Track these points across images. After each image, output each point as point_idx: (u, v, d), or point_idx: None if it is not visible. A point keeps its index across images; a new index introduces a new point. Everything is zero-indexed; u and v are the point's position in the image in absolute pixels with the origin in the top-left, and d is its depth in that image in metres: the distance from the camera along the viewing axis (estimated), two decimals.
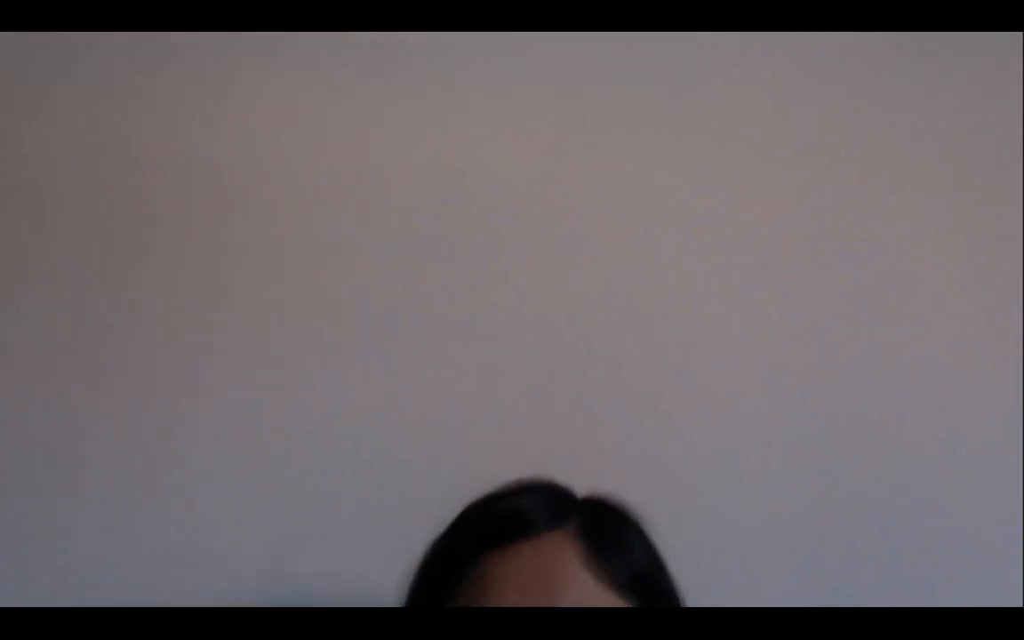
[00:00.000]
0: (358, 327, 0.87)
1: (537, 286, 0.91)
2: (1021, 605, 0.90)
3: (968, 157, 0.99)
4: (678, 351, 0.92)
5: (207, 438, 0.83)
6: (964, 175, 0.99)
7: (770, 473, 0.90)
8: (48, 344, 0.83)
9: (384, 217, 0.89)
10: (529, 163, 0.92)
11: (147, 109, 0.87)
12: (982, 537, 0.92)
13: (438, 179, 0.90)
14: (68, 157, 0.86)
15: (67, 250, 0.85)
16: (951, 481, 0.93)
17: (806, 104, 0.98)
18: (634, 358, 0.91)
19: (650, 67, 0.96)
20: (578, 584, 0.64)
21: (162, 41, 0.88)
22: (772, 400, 0.92)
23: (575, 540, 0.66)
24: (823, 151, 0.97)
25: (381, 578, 0.81)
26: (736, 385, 0.92)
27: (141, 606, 0.79)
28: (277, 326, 0.86)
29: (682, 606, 0.69)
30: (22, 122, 0.86)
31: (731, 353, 0.92)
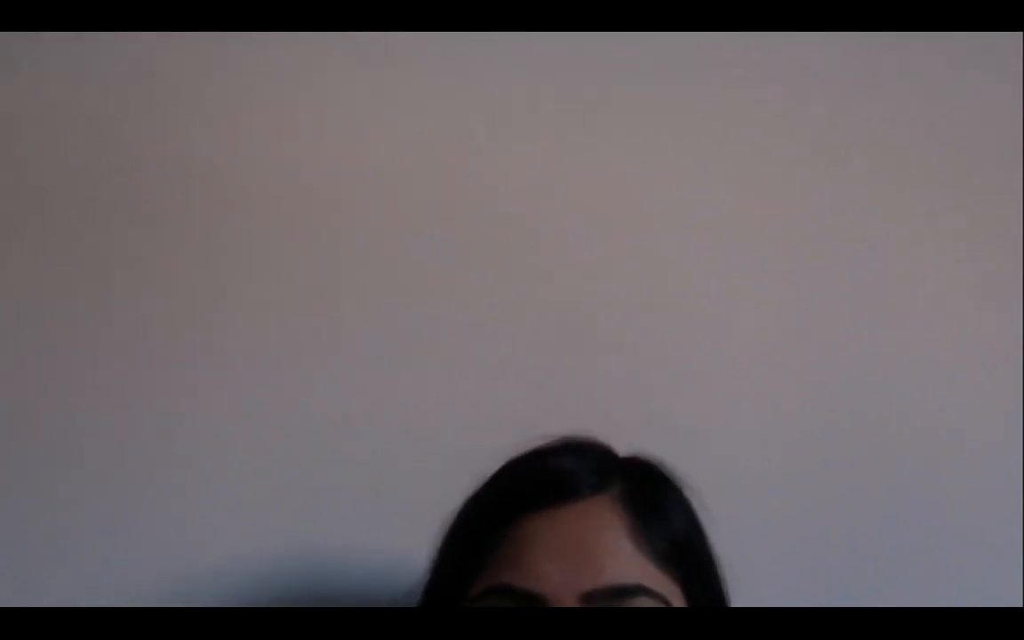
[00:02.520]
0: (358, 327, 0.87)
1: (538, 287, 0.91)
2: (1021, 605, 0.90)
3: (968, 157, 0.99)
4: (678, 351, 0.92)
5: (207, 438, 0.83)
6: (964, 175, 0.99)
7: (770, 473, 0.90)
8: (48, 344, 0.83)
9: (384, 217, 0.89)
10: (530, 163, 0.92)
11: (147, 109, 0.87)
12: (982, 537, 0.92)
13: (438, 179, 0.90)
14: (68, 157, 0.86)
15: (67, 250, 0.84)
16: (951, 481, 0.93)
17: (806, 104, 0.98)
18: (634, 359, 0.91)
19: (650, 67, 0.95)
20: (619, 555, 0.63)
21: (162, 41, 0.87)
22: (772, 400, 0.92)
23: (618, 506, 0.65)
24: (823, 151, 0.97)
25: (381, 578, 0.81)
26: (736, 385, 0.92)
27: (141, 606, 0.79)
28: (277, 326, 0.86)
29: (722, 576, 0.69)
30: (22, 122, 0.86)
31: (731, 353, 0.92)
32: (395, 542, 0.81)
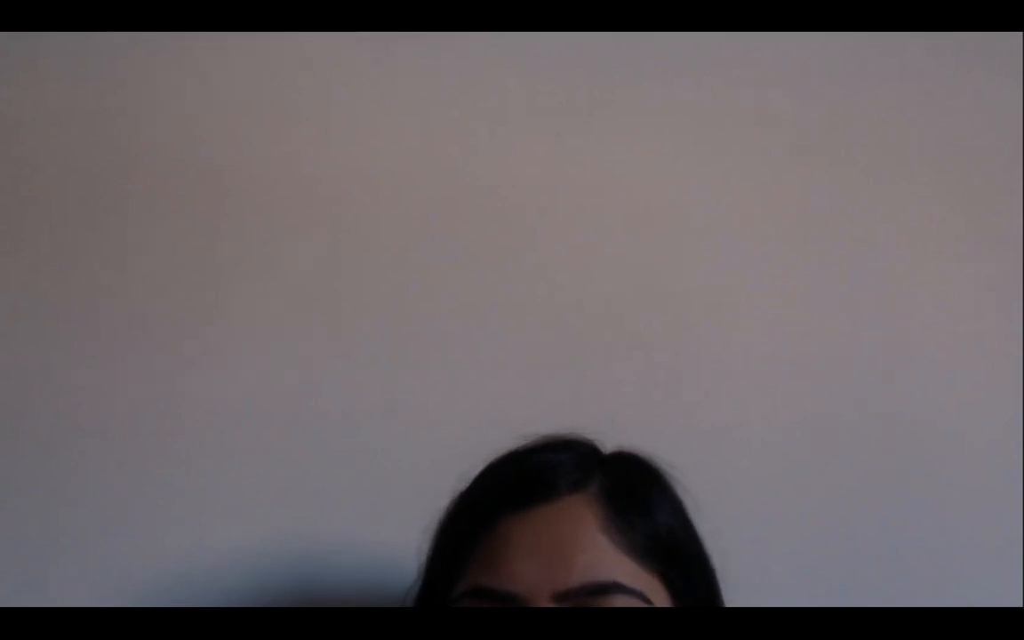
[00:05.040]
0: (358, 327, 0.87)
1: (538, 287, 0.91)
2: (1021, 605, 0.90)
3: (968, 157, 0.99)
4: (678, 351, 0.92)
5: (207, 438, 0.83)
6: (964, 175, 0.99)
7: (770, 473, 0.90)
8: (48, 343, 0.83)
9: (385, 217, 0.89)
10: (529, 163, 0.92)
11: (147, 109, 0.87)
12: (982, 537, 0.92)
13: (438, 179, 0.90)
14: (68, 157, 0.86)
15: (67, 250, 0.85)
16: (951, 481, 0.93)
17: (806, 104, 0.98)
18: (634, 359, 0.91)
19: (650, 67, 0.96)
20: (594, 550, 0.62)
21: (162, 41, 0.88)
22: (771, 399, 0.92)
23: (595, 503, 0.64)
24: (823, 151, 0.97)
25: (381, 579, 0.81)
26: (735, 385, 0.92)
27: (141, 606, 0.79)
28: (277, 325, 0.86)
29: (711, 570, 0.68)
30: (21, 122, 0.86)
31: (730, 353, 0.92)
32: (395, 543, 0.81)
